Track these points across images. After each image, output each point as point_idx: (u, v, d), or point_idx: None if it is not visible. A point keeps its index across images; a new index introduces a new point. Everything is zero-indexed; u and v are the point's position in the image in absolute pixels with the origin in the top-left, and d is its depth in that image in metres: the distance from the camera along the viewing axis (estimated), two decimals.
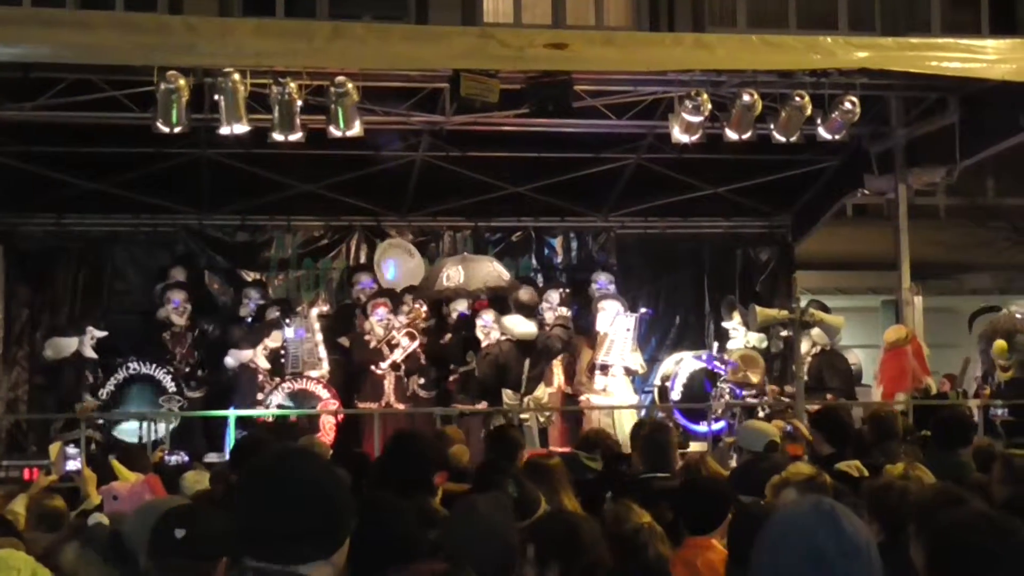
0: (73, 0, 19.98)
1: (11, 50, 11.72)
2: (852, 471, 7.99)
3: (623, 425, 13.99)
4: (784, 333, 15.95)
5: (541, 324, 15.52)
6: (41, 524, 7.93)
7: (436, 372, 15.59)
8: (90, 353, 14.89)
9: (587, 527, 5.68)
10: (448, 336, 15.59)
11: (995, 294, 20.75)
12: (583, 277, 17.37)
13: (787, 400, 14.64)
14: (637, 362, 15.62)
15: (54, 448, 10.04)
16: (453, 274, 15.75)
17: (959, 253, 21.45)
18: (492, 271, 16.02)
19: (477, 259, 16.44)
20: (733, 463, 13.50)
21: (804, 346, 15.23)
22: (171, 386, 14.76)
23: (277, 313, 15.35)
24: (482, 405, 14.78)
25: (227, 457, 9.46)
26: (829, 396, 15.11)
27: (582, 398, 15.35)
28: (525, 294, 15.60)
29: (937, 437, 9.36)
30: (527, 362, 15.05)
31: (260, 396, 14.61)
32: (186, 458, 12.39)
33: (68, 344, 14.92)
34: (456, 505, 5.62)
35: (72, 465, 9.35)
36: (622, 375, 15.41)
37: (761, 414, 14.48)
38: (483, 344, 15.17)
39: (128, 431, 14.23)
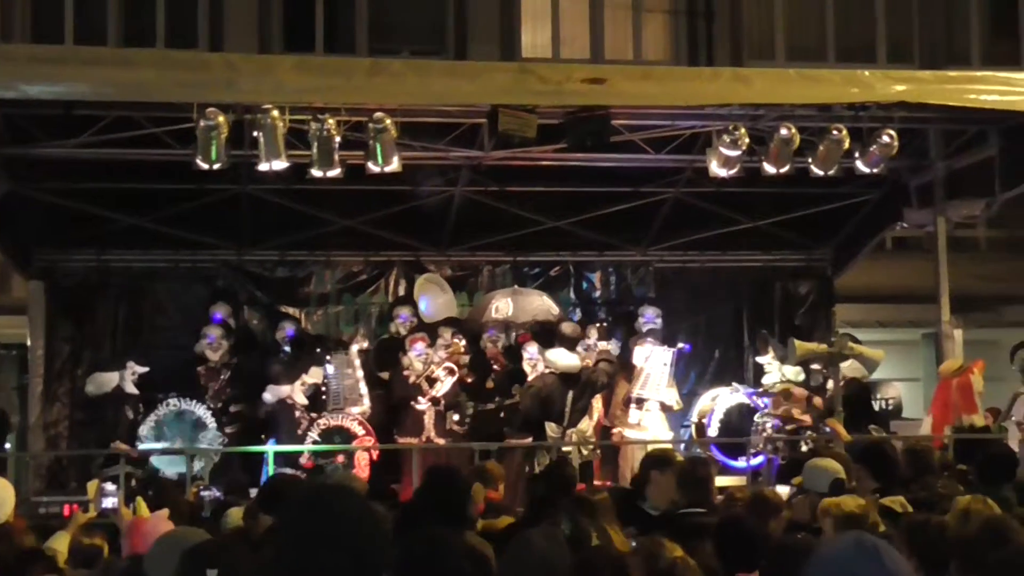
0: (114, 38, 20.19)
1: (53, 88, 11.83)
2: (896, 507, 7.93)
3: None
4: (815, 367, 15.90)
5: (583, 358, 15.51)
6: (80, 562, 7.97)
7: (475, 406, 15.60)
8: (131, 389, 14.97)
9: (633, 563, 5.66)
10: (495, 369, 15.62)
11: None
12: (622, 311, 17.34)
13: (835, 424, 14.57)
14: (673, 398, 15.58)
15: (92, 485, 10.05)
16: (503, 306, 15.83)
17: (1000, 285, 21.30)
18: (542, 305, 16.09)
19: (527, 292, 16.58)
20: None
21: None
22: (211, 422, 14.81)
23: (318, 349, 15.40)
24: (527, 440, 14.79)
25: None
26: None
27: (615, 431, 15.30)
28: (567, 327, 15.60)
29: (981, 472, 9.28)
30: (570, 395, 15.04)
31: (298, 432, 14.65)
32: (218, 494, 12.43)
33: (110, 379, 15.01)
34: (513, 538, 5.62)
35: (109, 502, 9.35)
36: (657, 410, 15.37)
37: (804, 448, 14.41)
38: (530, 377, 15.19)
39: (168, 467, 14.32)
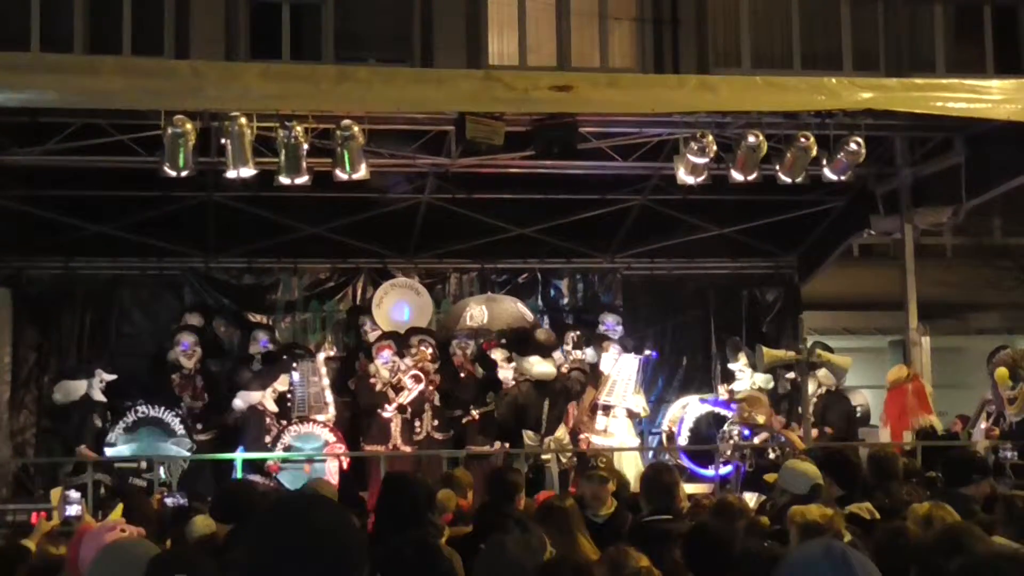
0: (80, 45, 20.11)
1: (19, 95, 11.75)
2: (863, 513, 7.96)
3: (624, 467, 13.96)
4: (790, 375, 15.93)
5: (558, 366, 15.47)
6: (44, 571, 7.91)
7: (451, 413, 15.56)
8: (99, 396, 14.87)
9: (597, 571, 5.67)
10: (463, 376, 15.60)
11: (1003, 333, 20.72)
12: (590, 318, 17.34)
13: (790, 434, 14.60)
14: (640, 404, 15.59)
15: (55, 493, 9.99)
16: (477, 313, 15.82)
17: (966, 293, 21.45)
18: (516, 312, 16.08)
19: (501, 299, 16.56)
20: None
21: (810, 387, 15.22)
22: (180, 429, 14.73)
23: (284, 356, 15.36)
24: (500, 446, 14.74)
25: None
26: (828, 429, 15.13)
27: (581, 437, 15.30)
28: (542, 334, 15.55)
29: (945, 476, 9.36)
30: (546, 403, 14.99)
31: (267, 439, 14.61)
32: (183, 501, 12.35)
33: (77, 387, 14.90)
34: (487, 544, 5.63)
35: (73, 510, 9.28)
36: (624, 416, 15.37)
37: (772, 455, 14.45)
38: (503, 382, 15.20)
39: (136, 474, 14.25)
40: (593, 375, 15.57)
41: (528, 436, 14.84)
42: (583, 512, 8.70)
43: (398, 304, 16.71)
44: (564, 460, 14.92)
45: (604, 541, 7.95)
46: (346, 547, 3.45)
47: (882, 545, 6.40)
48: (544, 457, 14.65)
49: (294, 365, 15.07)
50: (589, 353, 15.83)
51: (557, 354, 15.66)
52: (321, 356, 15.43)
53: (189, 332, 15.54)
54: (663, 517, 8.11)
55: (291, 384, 14.97)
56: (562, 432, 15.15)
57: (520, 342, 15.41)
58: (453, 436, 15.34)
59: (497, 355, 15.25)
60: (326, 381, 15.08)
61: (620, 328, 16.46)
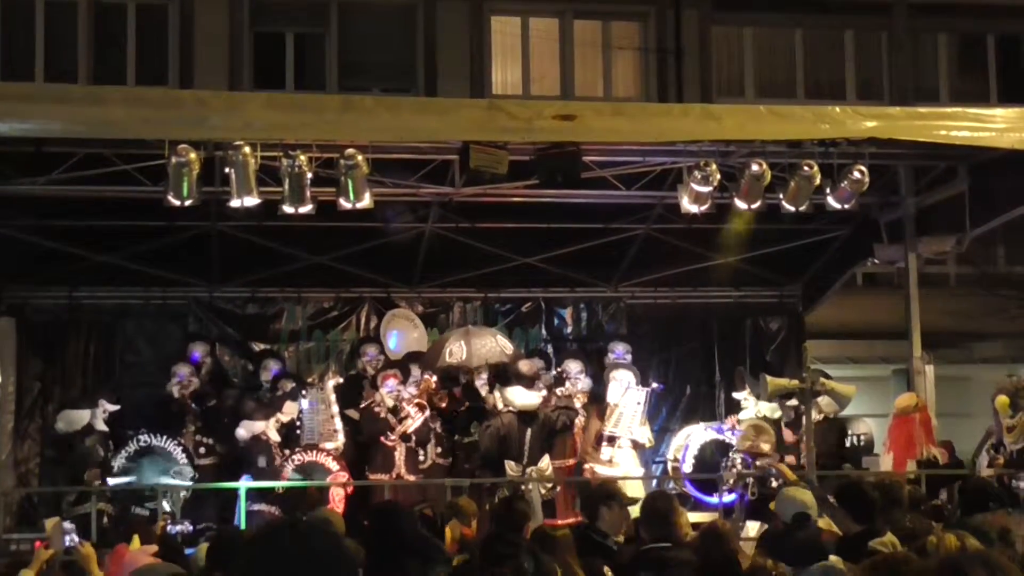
0: (85, 76, 20.16)
1: (24, 125, 11.76)
2: (888, 549, 7.86)
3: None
4: (791, 403, 15.89)
5: (555, 395, 15.44)
6: None
7: (453, 440, 15.58)
8: (102, 426, 14.90)
9: None
10: (465, 405, 15.61)
11: (1007, 362, 20.67)
12: (593, 347, 17.33)
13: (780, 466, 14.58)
14: (645, 436, 15.55)
15: (50, 523, 9.97)
16: (456, 350, 15.73)
17: (970, 322, 21.42)
18: (495, 347, 15.97)
19: (480, 333, 16.36)
20: (745, 532, 13.54)
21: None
22: (182, 458, 14.75)
23: (292, 385, 15.36)
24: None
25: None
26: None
27: (586, 467, 15.26)
28: (524, 365, 15.49)
29: (961, 504, 9.33)
30: (528, 433, 14.96)
31: (272, 468, 14.59)
32: (190, 528, 12.34)
33: (81, 417, 14.92)
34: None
35: (69, 540, 9.28)
36: (629, 447, 15.33)
37: (775, 484, 14.41)
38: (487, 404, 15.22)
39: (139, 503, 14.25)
40: (598, 405, 15.54)
41: (510, 466, 14.81)
42: (600, 539, 8.67)
43: (389, 332, 16.72)
44: (544, 491, 14.86)
45: (622, 569, 7.94)
46: (337, 572, 3.43)
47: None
48: (531, 487, 14.63)
49: (303, 393, 15.09)
50: (581, 385, 15.78)
51: (564, 378, 15.67)
52: (331, 384, 15.42)
53: (184, 363, 15.59)
54: (663, 545, 8.09)
55: (300, 412, 14.98)
56: (545, 463, 15.09)
57: (503, 373, 15.41)
58: (454, 463, 15.35)
59: (484, 375, 15.34)
60: (335, 409, 15.09)
61: (629, 357, 16.44)
